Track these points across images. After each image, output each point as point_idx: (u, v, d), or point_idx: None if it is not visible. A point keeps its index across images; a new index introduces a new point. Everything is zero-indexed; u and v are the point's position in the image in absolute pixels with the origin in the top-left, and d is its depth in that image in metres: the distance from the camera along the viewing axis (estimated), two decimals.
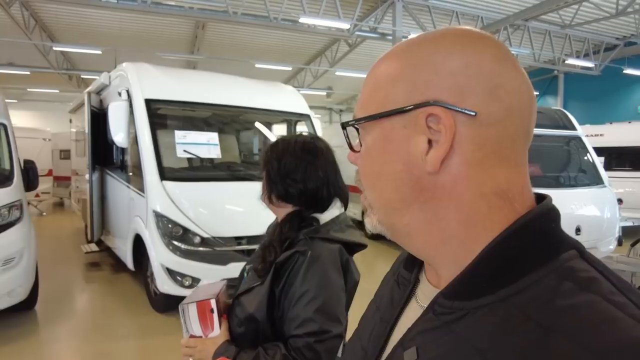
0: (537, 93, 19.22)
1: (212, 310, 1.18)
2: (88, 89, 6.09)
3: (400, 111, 0.46)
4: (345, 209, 1.34)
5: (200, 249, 3.88)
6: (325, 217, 1.28)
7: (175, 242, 3.86)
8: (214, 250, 3.89)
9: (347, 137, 0.53)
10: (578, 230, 5.40)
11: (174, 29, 14.37)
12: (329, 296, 1.14)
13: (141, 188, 4.11)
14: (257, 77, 5.91)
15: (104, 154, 5.37)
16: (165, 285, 3.92)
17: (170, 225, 3.86)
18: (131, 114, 4.29)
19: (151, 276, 4.32)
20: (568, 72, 16.79)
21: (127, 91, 4.35)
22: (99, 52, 13.38)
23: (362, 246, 1.30)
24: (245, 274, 1.32)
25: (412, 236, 0.50)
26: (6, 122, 4.41)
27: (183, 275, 3.87)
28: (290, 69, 17.35)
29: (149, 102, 4.27)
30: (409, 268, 0.58)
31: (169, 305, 4.11)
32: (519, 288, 0.41)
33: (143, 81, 4.43)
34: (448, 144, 0.44)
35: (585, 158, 6.20)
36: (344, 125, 0.54)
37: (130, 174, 4.51)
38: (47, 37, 14.61)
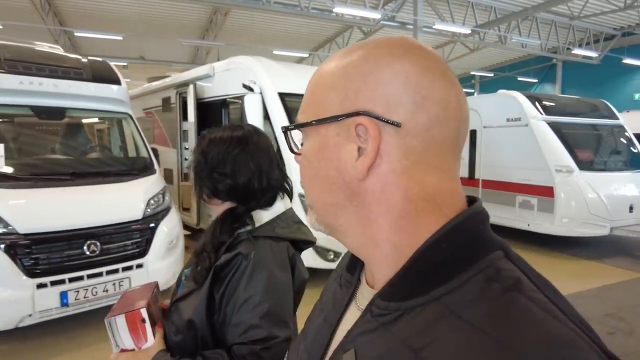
0: (536, 80, 20.19)
1: (143, 320, 1.07)
2: (181, 79, 6.34)
3: (334, 119, 0.48)
4: (291, 200, 1.26)
5: None
6: (267, 214, 1.19)
7: None
8: None
9: (288, 140, 0.56)
10: (631, 208, 6.18)
11: (187, 14, 14.41)
12: (275, 300, 1.08)
13: None
14: None
15: None
16: (312, 260, 4.43)
17: None
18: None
19: None
20: (566, 61, 17.71)
21: (255, 83, 4.73)
22: (120, 37, 13.32)
23: (310, 243, 1.24)
24: (183, 278, 1.21)
25: (347, 235, 0.52)
26: (131, 112, 4.74)
27: (328, 250, 4.38)
28: (307, 55, 17.59)
29: (281, 95, 4.69)
30: (351, 270, 0.59)
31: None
32: (448, 288, 0.42)
33: (271, 75, 4.82)
34: (374, 153, 0.46)
35: (628, 144, 6.97)
36: (284, 129, 0.56)
37: None
38: (57, 22, 14.40)
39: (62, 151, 4.24)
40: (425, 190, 0.47)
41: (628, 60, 15.47)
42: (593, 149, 6.65)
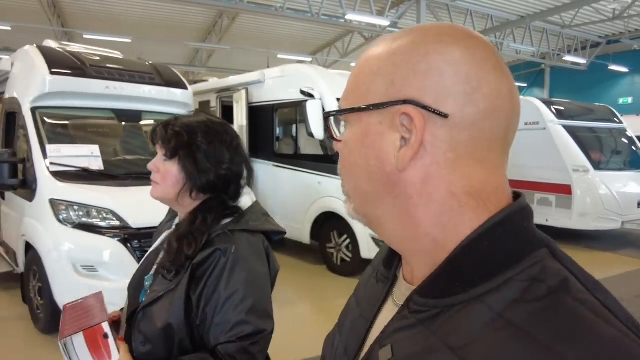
0: (525, 85, 21.08)
1: (105, 336, 0.98)
2: (224, 84, 6.61)
3: (378, 107, 0.47)
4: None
5: None
6: (243, 205, 1.17)
7: None
8: None
9: (329, 126, 0.74)
10: (639, 204, 6.79)
11: (192, 17, 14.59)
12: (259, 294, 1.06)
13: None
14: (272, 66, 6.38)
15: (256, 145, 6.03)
16: (371, 251, 4.80)
17: None
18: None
19: (337, 247, 5.18)
20: (554, 66, 18.60)
21: (313, 90, 5.09)
22: (129, 40, 13.41)
23: (280, 233, 1.22)
24: (147, 282, 1.15)
25: (385, 228, 0.50)
26: None
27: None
28: (310, 59, 17.94)
29: (339, 100, 5.04)
30: (388, 265, 0.58)
31: (355, 269, 5.02)
32: (491, 287, 0.41)
33: (327, 82, 5.18)
34: (418, 144, 0.44)
35: (632, 146, 7.61)
36: (326, 115, 0.55)
37: (320, 163, 5.29)
38: (60, 24, 14.36)
39: (138, 152, 4.49)
40: (470, 185, 0.45)
41: (613, 67, 16.43)
42: (604, 150, 7.25)
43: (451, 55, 0.45)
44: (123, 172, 3.87)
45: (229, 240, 1.07)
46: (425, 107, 0.44)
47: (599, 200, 6.51)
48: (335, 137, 0.54)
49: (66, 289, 3.24)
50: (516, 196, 0.48)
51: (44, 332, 3.51)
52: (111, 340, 0.99)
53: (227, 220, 1.12)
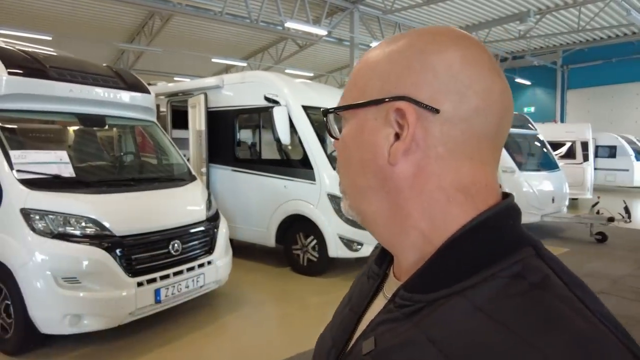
0: None
1: None
2: (176, 88, 6.43)
3: (374, 102, 0.48)
4: None
5: None
6: None
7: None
8: None
9: (328, 123, 0.56)
10: (553, 200, 7.87)
11: (119, 17, 13.87)
12: None
13: (309, 177, 5.12)
14: (204, 69, 6.19)
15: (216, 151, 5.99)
16: (339, 250, 5.03)
17: None
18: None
19: (303, 248, 5.36)
20: None
21: (277, 97, 5.24)
22: (49, 37, 12.33)
23: None
24: None
25: (377, 224, 0.52)
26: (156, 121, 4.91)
27: (353, 241, 5.04)
28: (245, 64, 17.82)
29: (305, 108, 5.24)
30: (379, 263, 0.60)
31: (322, 268, 5.24)
32: (472, 282, 0.43)
33: (292, 89, 5.34)
34: (410, 139, 0.46)
35: (545, 149, 8.79)
36: (325, 112, 0.56)
37: (286, 167, 5.41)
38: None
39: (106, 158, 4.30)
40: (459, 180, 0.47)
41: (518, 80, 18.61)
42: (524, 153, 8.29)
43: (445, 54, 0.46)
44: (97, 179, 3.71)
45: None
46: (417, 103, 0.45)
47: (523, 197, 7.44)
48: (334, 135, 0.56)
49: (46, 303, 3.05)
50: (505, 196, 0.50)
51: (13, 353, 3.25)
52: None
53: None
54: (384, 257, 0.60)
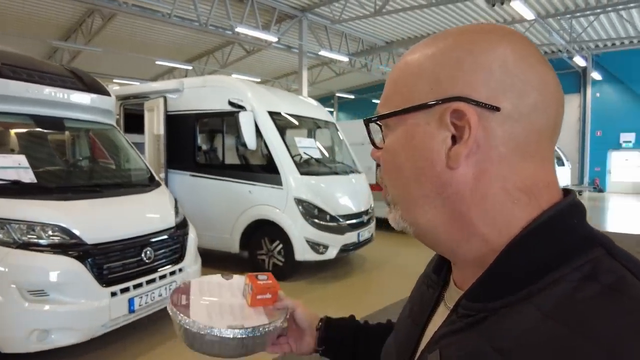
0: None
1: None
2: (130, 91, 6.16)
3: (424, 107, 0.46)
4: None
5: (330, 224, 5.22)
6: None
7: (315, 220, 5.11)
8: (337, 224, 5.29)
9: (369, 133, 0.54)
10: None
11: (53, 14, 12.98)
12: None
13: (275, 182, 5.15)
14: (146, 72, 5.98)
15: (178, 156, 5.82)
16: (306, 254, 5.10)
17: (310, 207, 5.10)
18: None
19: (268, 253, 5.39)
20: None
21: (242, 102, 5.24)
22: None
23: None
24: None
25: (435, 233, 0.49)
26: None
27: (319, 244, 5.14)
28: (191, 67, 17.32)
29: (271, 114, 5.28)
30: (437, 271, 0.59)
31: (288, 272, 5.32)
32: (539, 287, 0.40)
33: (256, 95, 5.36)
34: (472, 141, 0.44)
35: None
36: (367, 122, 0.54)
37: (251, 172, 5.39)
38: None
39: (66, 162, 4.06)
40: (522, 180, 0.44)
41: None
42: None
43: (497, 51, 0.45)
44: (61, 185, 3.51)
45: None
46: (476, 102, 0.44)
47: None
48: (377, 144, 0.54)
49: (10, 319, 2.83)
50: (565, 193, 0.48)
51: None
52: None
53: None
54: (441, 265, 0.58)
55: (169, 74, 20.50)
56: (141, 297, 3.40)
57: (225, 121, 5.62)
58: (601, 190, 18.47)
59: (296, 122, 5.91)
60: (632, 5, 11.57)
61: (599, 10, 12.24)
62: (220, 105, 5.47)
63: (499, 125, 0.44)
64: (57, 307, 2.94)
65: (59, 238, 3.07)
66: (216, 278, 0.89)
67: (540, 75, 0.45)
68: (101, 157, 4.63)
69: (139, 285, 3.41)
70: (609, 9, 12.11)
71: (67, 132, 4.18)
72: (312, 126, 6.36)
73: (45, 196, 3.28)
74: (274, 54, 17.29)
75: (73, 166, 4.12)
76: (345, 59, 15.30)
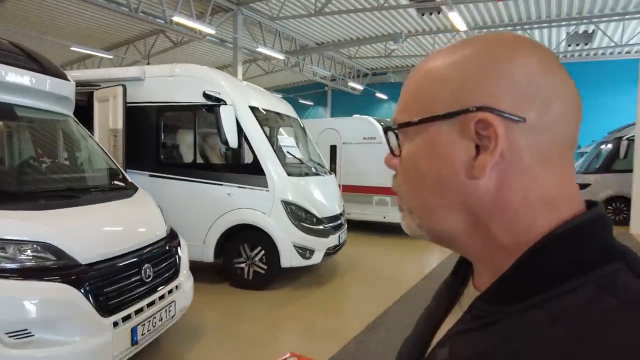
0: (312, 103, 23.96)
1: None
2: (89, 78, 5.17)
3: (448, 116, 0.46)
4: None
5: (316, 227, 4.91)
6: None
7: (303, 223, 4.75)
8: (323, 227, 5.01)
9: (388, 141, 0.53)
10: None
11: None
12: None
13: (260, 184, 4.69)
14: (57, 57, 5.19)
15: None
16: (292, 260, 4.71)
17: (298, 210, 4.73)
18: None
19: (248, 261, 4.92)
20: (335, 89, 21.92)
21: (220, 95, 4.70)
22: None
23: None
24: None
25: (454, 239, 0.50)
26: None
27: (306, 249, 4.81)
28: (112, 56, 15.49)
29: (252, 109, 4.79)
30: (455, 272, 0.60)
31: (270, 280, 4.94)
32: (554, 295, 0.41)
33: (235, 88, 4.83)
34: (498, 151, 0.43)
35: None
36: (386, 130, 0.54)
37: (230, 173, 4.83)
38: None
39: (24, 161, 3.24)
40: (545, 191, 0.44)
41: (378, 94, 20.64)
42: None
43: (520, 60, 0.45)
44: (29, 189, 2.76)
45: None
46: (501, 112, 0.43)
47: None
48: (395, 152, 0.53)
49: None
50: (590, 204, 0.47)
51: None
52: None
53: None
54: (460, 267, 0.59)
55: (79, 63, 18.24)
56: (143, 325, 2.81)
57: (197, 115, 5.02)
58: None
59: (277, 119, 5.52)
60: (554, 24, 12.99)
61: (526, 27, 13.51)
62: (191, 97, 4.87)
63: (524, 136, 0.44)
64: (46, 351, 2.28)
65: (43, 259, 2.40)
66: None
67: (562, 84, 0.45)
68: (54, 156, 3.82)
69: (140, 310, 2.82)
70: (535, 26, 13.43)
71: (18, 123, 3.34)
72: (286, 123, 5.99)
73: (12, 205, 2.55)
74: (202, 46, 16.25)
75: (31, 167, 3.30)
76: (281, 56, 14.94)
